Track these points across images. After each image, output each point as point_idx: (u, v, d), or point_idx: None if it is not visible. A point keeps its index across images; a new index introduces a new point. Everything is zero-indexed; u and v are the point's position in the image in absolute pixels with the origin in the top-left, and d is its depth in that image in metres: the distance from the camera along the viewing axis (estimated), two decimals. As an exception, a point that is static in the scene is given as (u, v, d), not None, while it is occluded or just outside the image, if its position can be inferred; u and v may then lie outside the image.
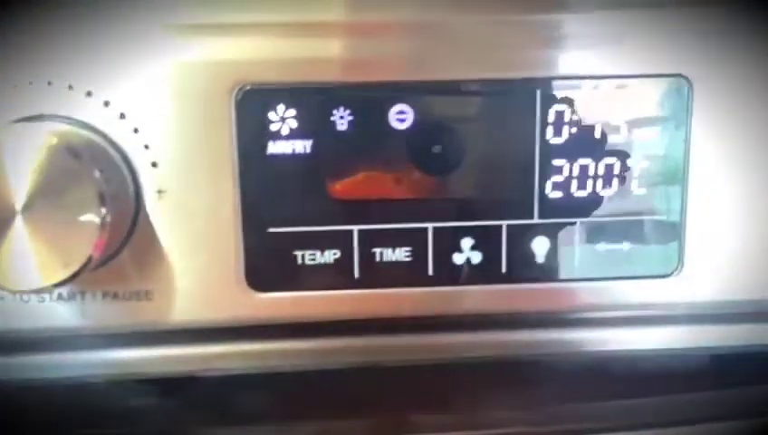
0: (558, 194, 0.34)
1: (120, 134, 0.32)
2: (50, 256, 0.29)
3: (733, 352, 0.39)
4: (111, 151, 0.32)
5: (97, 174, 0.29)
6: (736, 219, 0.35)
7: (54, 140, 0.28)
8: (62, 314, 0.33)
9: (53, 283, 0.29)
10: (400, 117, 0.33)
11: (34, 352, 0.36)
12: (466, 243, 0.34)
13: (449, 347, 0.38)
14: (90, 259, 0.29)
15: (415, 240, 0.34)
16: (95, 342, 0.36)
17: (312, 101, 0.32)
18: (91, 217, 0.29)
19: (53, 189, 0.28)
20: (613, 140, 0.34)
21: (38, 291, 0.30)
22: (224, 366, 0.37)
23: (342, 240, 0.34)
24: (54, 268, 0.29)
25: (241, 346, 0.36)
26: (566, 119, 0.33)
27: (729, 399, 0.39)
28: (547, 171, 0.34)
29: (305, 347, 0.37)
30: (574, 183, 0.34)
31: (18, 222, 0.28)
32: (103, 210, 0.29)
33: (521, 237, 0.34)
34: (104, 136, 0.32)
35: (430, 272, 0.34)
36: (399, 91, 0.33)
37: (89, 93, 0.31)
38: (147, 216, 0.33)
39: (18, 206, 0.28)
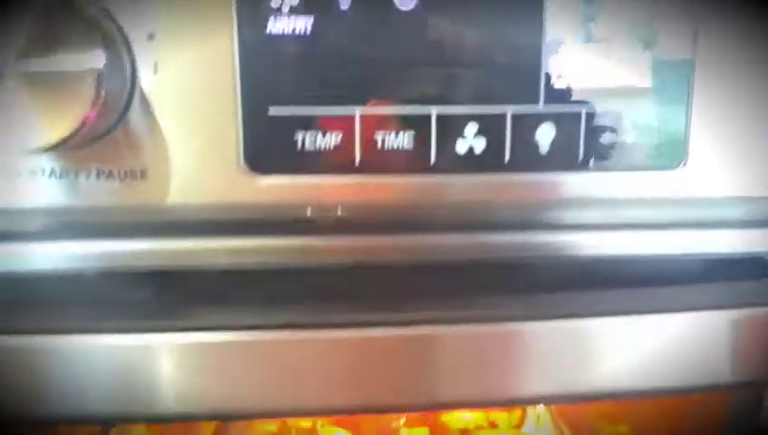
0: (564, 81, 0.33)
1: (116, 4, 0.31)
2: (42, 117, 0.28)
3: (728, 258, 0.39)
4: (106, 21, 0.31)
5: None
6: (743, 113, 0.35)
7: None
8: (55, 191, 0.32)
9: (44, 146, 0.28)
10: (405, -4, 0.32)
11: (26, 241, 0.35)
12: (470, 129, 0.34)
13: (444, 248, 0.37)
14: (83, 124, 0.28)
15: (418, 125, 0.33)
16: (90, 231, 0.35)
17: (315, -25, 0.32)
18: (88, 77, 0.28)
19: (50, 46, 0.27)
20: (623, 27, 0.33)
21: (29, 152, 0.29)
22: (216, 262, 0.36)
23: (344, 124, 0.33)
24: (46, 131, 0.28)
25: (234, 242, 0.36)
26: None
27: (720, 290, 0.39)
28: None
29: (296, 244, 0.36)
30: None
31: (11, 79, 0.27)
32: (100, 68, 0.28)
33: (525, 124, 0.34)
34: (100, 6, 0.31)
35: (432, 159, 0.34)
36: (404, -30, 0.32)
37: (84, -40, 0.30)
38: (142, 91, 0.32)
39: (11, 63, 0.27)
